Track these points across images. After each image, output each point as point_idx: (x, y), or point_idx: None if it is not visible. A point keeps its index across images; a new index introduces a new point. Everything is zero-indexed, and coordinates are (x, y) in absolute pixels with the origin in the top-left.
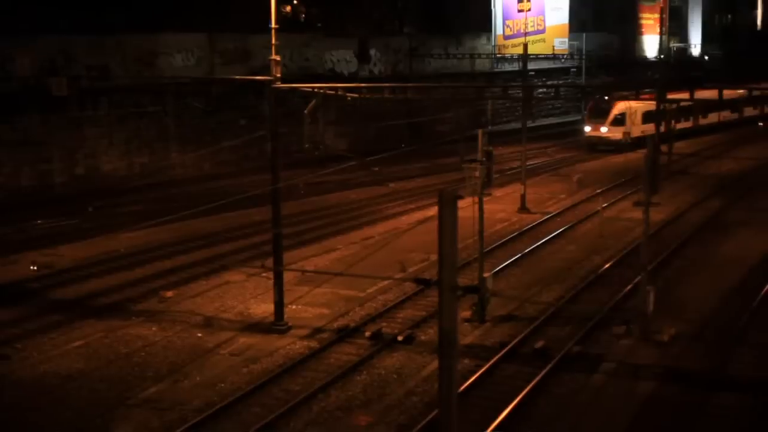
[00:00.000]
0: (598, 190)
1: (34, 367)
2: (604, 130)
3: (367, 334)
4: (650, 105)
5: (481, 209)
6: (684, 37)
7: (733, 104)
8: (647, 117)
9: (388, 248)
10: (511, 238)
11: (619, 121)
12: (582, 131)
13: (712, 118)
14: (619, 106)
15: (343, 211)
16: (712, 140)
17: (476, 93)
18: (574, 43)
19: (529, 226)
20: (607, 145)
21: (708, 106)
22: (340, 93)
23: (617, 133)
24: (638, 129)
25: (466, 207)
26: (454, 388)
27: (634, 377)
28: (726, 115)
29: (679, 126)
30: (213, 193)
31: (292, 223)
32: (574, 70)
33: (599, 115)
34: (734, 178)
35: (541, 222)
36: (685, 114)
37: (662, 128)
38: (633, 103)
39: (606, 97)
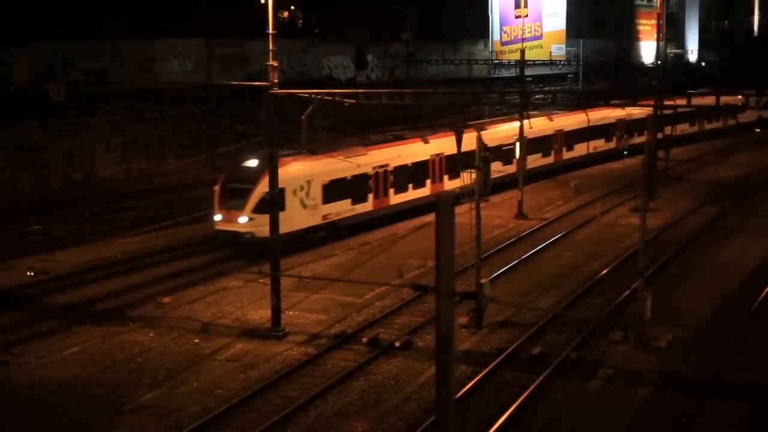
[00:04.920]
0: (596, 197)
1: (31, 372)
2: (243, 220)
3: (364, 340)
4: (342, 165)
5: (478, 215)
6: (681, 43)
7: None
8: (334, 188)
9: (385, 254)
10: (509, 244)
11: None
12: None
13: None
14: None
15: None
16: (710, 146)
17: (473, 99)
18: (572, 49)
19: (527, 232)
20: (250, 245)
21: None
22: (337, 99)
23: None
24: (313, 213)
25: (463, 213)
26: (451, 394)
27: (632, 383)
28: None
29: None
30: (210, 199)
31: None
32: (572, 76)
33: (237, 193)
34: (731, 185)
35: (539, 228)
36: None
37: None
38: (310, 164)
39: (255, 161)
